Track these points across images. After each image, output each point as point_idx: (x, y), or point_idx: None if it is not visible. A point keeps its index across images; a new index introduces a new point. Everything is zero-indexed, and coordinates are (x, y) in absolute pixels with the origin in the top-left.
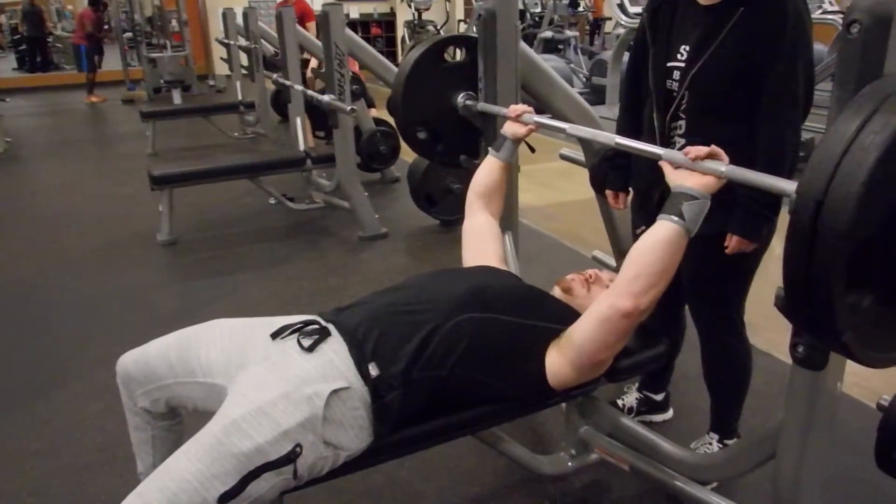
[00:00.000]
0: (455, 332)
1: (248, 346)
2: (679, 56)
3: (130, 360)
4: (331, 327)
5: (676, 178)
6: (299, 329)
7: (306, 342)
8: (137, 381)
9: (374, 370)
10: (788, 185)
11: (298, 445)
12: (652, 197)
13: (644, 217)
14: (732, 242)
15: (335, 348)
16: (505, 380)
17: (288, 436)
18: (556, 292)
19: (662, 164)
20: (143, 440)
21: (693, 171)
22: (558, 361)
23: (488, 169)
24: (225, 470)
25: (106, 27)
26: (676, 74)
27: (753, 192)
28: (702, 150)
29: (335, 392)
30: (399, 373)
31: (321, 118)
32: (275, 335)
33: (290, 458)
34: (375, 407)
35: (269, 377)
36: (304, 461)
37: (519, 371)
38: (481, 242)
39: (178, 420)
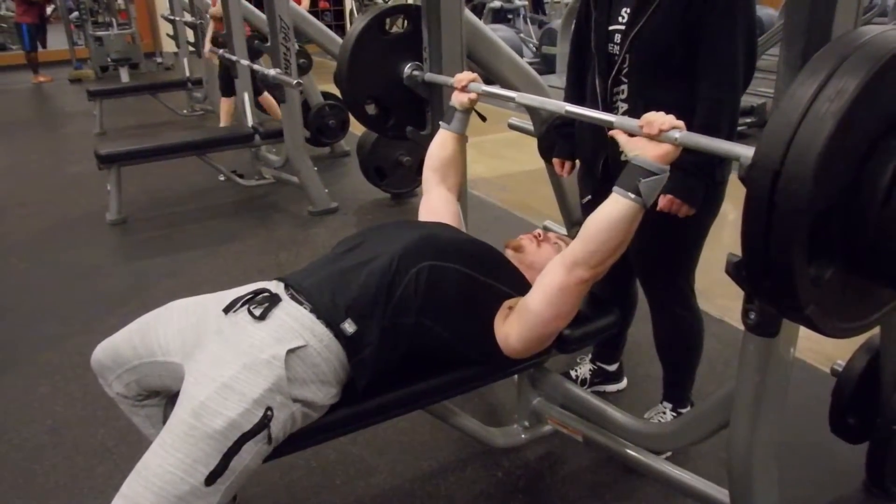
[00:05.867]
0: (417, 279)
1: (201, 324)
2: (620, 19)
3: (100, 350)
4: (281, 292)
5: (633, 148)
6: (249, 300)
7: (257, 311)
8: (108, 367)
9: (350, 327)
10: (743, 150)
11: (269, 409)
12: (597, 164)
13: (590, 185)
14: (664, 201)
15: (287, 311)
16: (459, 335)
17: (257, 403)
18: (508, 254)
19: (616, 132)
20: (139, 421)
21: (650, 139)
22: (508, 328)
23: (441, 142)
24: (205, 452)
25: (51, 6)
26: (617, 38)
27: (686, 154)
28: (657, 119)
29: (291, 351)
30: (375, 324)
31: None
32: (227, 309)
33: (265, 423)
34: (354, 363)
35: (225, 352)
36: (277, 422)
37: (472, 326)
38: (434, 217)
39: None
